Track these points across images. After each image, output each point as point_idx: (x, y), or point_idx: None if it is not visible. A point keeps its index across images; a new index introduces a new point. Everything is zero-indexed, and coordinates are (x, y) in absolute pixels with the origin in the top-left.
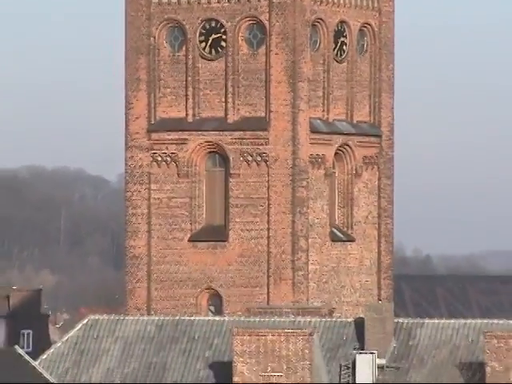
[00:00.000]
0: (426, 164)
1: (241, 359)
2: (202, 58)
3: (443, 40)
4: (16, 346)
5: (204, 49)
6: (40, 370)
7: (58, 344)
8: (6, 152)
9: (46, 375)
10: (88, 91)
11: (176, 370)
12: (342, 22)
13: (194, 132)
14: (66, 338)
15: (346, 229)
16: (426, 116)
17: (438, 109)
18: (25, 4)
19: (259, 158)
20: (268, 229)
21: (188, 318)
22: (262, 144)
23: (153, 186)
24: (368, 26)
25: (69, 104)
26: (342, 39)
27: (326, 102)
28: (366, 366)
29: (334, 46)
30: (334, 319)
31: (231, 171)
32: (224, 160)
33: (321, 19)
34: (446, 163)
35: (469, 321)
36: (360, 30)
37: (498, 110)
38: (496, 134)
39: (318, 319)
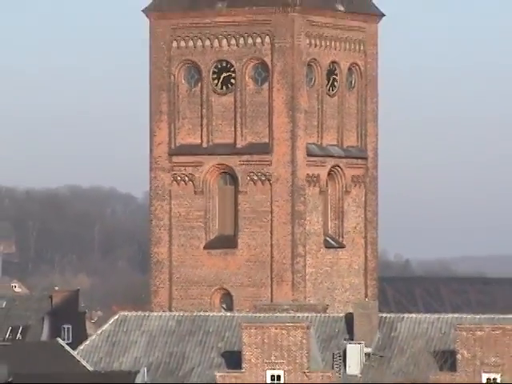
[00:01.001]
0: (406, 181)
1: (248, 349)
2: (215, 93)
3: (419, 78)
4: (58, 339)
5: (216, 85)
6: (78, 358)
7: (93, 337)
8: (49, 173)
9: (84, 363)
10: (118, 122)
11: (193, 358)
12: (334, 62)
13: (208, 156)
14: (100, 331)
15: (337, 237)
16: (405, 141)
17: (414, 135)
18: (67, 43)
19: (263, 178)
20: (271, 237)
21: (203, 314)
22: (265, 165)
23: (173, 202)
24: (356, 66)
25: (102, 133)
26: (334, 77)
27: (320, 129)
28: (354, 354)
29: (326, 82)
30: (327, 315)
31: (240, 189)
32: (233, 179)
33: (315, 60)
34: (422, 180)
35: (442, 316)
36: (349, 69)
37: (463, 130)
38: (465, 151)
39: (314, 315)
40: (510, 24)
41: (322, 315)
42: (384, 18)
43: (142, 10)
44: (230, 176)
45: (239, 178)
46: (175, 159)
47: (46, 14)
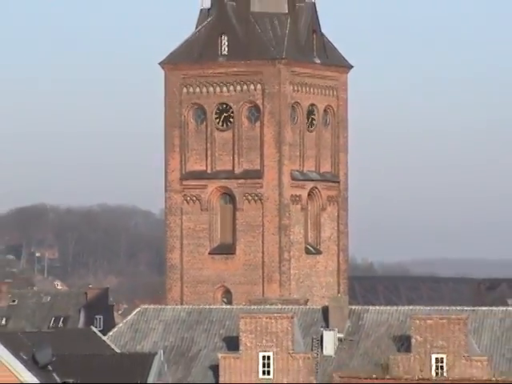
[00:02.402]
0: (370, 199)
1: (244, 335)
2: (217, 129)
3: (381, 117)
4: (91, 327)
5: (218, 123)
6: (108, 342)
7: (120, 325)
8: (85, 193)
9: (112, 346)
10: (140, 152)
11: (200, 342)
12: (312, 104)
13: (211, 180)
14: (125, 321)
15: (315, 245)
16: (370, 168)
17: (377, 163)
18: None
19: (256, 197)
20: (262, 245)
21: (208, 306)
22: (258, 188)
23: (184, 217)
24: (330, 108)
25: (127, 162)
26: (312, 116)
27: (301, 159)
28: (330, 338)
29: (306, 121)
30: (307, 307)
31: (237, 206)
32: (232, 199)
33: (297, 103)
34: (384, 199)
35: (399, 307)
36: (324, 110)
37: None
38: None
39: (297, 307)
40: (457, 69)
41: (304, 307)
42: (352, 69)
43: (159, 63)
44: (229, 196)
45: (237, 198)
46: (185, 183)
47: (75, 68)
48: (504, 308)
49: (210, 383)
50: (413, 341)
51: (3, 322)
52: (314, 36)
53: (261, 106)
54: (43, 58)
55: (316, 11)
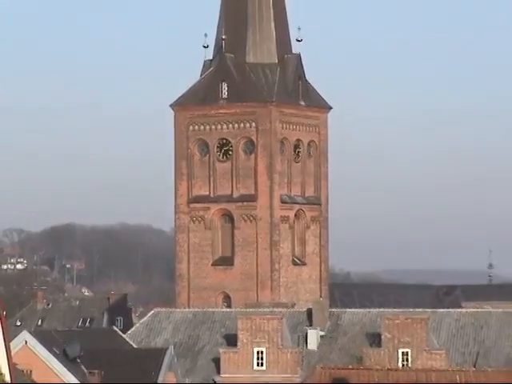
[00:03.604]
0: (348, 219)
1: (242, 333)
2: (218, 160)
3: (357, 150)
4: (113, 327)
5: (219, 155)
6: (127, 339)
7: (137, 325)
8: (107, 213)
9: (131, 342)
10: (154, 180)
11: (204, 339)
12: (298, 139)
13: (213, 203)
14: (141, 321)
15: (301, 258)
16: (347, 192)
17: (353, 189)
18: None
19: (251, 218)
20: (256, 258)
21: (211, 309)
22: (252, 209)
23: (190, 234)
24: (313, 142)
25: (143, 188)
26: (298, 149)
27: (289, 185)
28: (313, 336)
29: (293, 153)
30: (294, 310)
31: (235, 225)
32: (231, 219)
33: (286, 138)
34: (360, 219)
35: (372, 310)
36: (308, 144)
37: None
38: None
39: (285, 309)
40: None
41: (291, 310)
42: (332, 109)
43: (170, 105)
44: (228, 217)
45: (235, 218)
46: (192, 205)
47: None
48: (459, 310)
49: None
50: (383, 337)
51: (39, 322)
52: (300, 82)
53: (255, 141)
54: (69, 95)
55: (301, 61)
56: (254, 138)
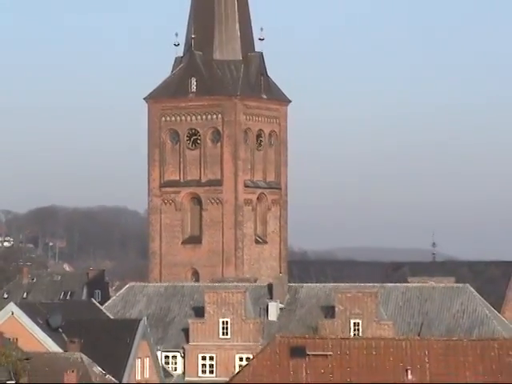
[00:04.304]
0: (306, 201)
1: (209, 305)
2: (188, 149)
3: (314, 139)
4: (92, 299)
5: (188, 144)
6: (104, 311)
7: (114, 298)
8: (87, 196)
9: (108, 314)
10: (128, 167)
11: (175, 311)
12: (260, 129)
13: (183, 187)
14: (118, 294)
15: (263, 237)
16: (304, 177)
17: (311, 174)
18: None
19: (217, 201)
20: (222, 237)
21: (181, 284)
22: (219, 193)
23: (162, 215)
24: (274, 132)
25: (119, 174)
26: (260, 139)
27: (252, 171)
28: (273, 308)
29: (256, 142)
30: (256, 284)
31: (203, 207)
32: (199, 202)
33: (249, 128)
34: (317, 201)
35: (326, 284)
36: (269, 134)
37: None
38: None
39: (248, 284)
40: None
41: (253, 284)
42: (291, 102)
43: (143, 98)
44: (197, 199)
45: (203, 201)
46: (163, 189)
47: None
48: (405, 285)
49: None
50: (336, 309)
51: (24, 295)
52: (262, 78)
53: (221, 131)
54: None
55: (263, 59)
56: (220, 129)
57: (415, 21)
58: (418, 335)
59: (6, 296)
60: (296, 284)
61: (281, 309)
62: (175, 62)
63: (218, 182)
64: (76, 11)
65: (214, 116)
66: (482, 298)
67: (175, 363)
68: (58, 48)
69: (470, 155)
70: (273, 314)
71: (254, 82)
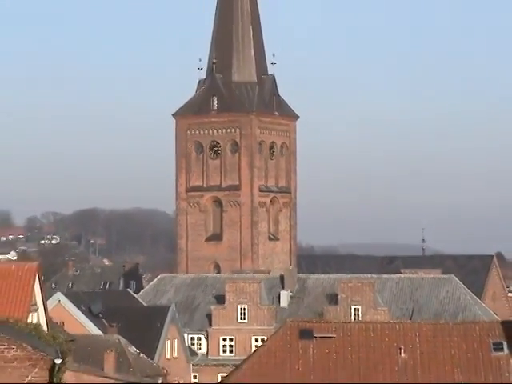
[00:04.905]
0: (312, 204)
1: (229, 293)
2: (210, 158)
3: (321, 152)
4: (127, 289)
5: (211, 154)
6: (139, 299)
7: (146, 288)
8: (124, 200)
9: (141, 301)
10: (159, 174)
11: (199, 298)
12: (273, 141)
13: (206, 191)
14: (150, 285)
15: (275, 234)
16: (311, 183)
17: (317, 179)
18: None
19: (236, 203)
20: (240, 235)
21: (204, 275)
22: (237, 197)
23: (188, 216)
24: (284, 143)
25: (152, 180)
26: (273, 149)
27: (266, 177)
28: (284, 296)
29: (269, 152)
30: (270, 275)
31: (224, 209)
32: (220, 204)
33: (263, 140)
34: (321, 204)
35: (331, 275)
36: (281, 145)
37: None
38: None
39: (263, 275)
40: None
41: (267, 275)
42: (299, 118)
43: (172, 114)
44: (218, 202)
45: (223, 203)
46: (189, 194)
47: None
48: (398, 275)
49: None
50: (339, 297)
51: (70, 285)
52: (274, 97)
53: (239, 143)
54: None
55: (275, 80)
56: (238, 141)
57: (414, 44)
58: (410, 319)
59: (53, 286)
60: (304, 275)
61: (291, 297)
62: (199, 83)
63: (236, 187)
64: (114, 40)
65: (233, 130)
66: (465, 287)
67: (200, 344)
68: (106, 74)
69: (457, 159)
70: (284, 301)
71: (267, 100)
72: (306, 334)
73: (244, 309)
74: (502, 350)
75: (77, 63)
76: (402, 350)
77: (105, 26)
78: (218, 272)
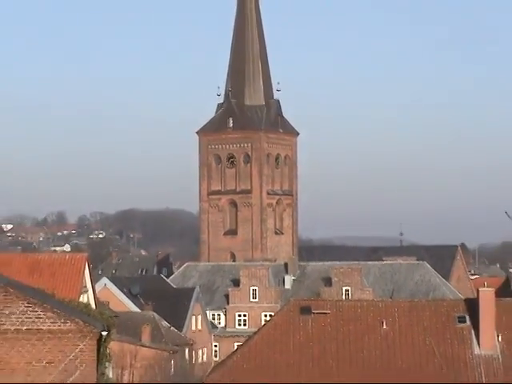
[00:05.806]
0: (311, 204)
1: (243, 277)
2: (227, 168)
3: (319, 163)
4: (160, 274)
5: (227, 164)
6: (169, 282)
7: (176, 273)
8: (157, 202)
9: (172, 285)
10: (185, 182)
11: (218, 282)
12: (278, 153)
13: (224, 195)
14: (178, 271)
15: (280, 229)
16: (309, 187)
17: (316, 185)
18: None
19: (248, 204)
20: (252, 230)
21: (222, 263)
22: (249, 199)
23: (209, 215)
24: (287, 155)
25: (180, 186)
26: (278, 160)
27: (272, 183)
28: (288, 280)
29: (275, 162)
30: (276, 263)
31: (238, 209)
32: (236, 205)
33: (270, 153)
34: (319, 204)
35: (326, 263)
36: (284, 156)
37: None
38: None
39: (271, 263)
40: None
41: (274, 263)
42: (299, 135)
43: (196, 132)
44: (233, 204)
45: (238, 205)
46: (210, 197)
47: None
48: (381, 262)
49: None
50: (333, 280)
51: (114, 271)
52: (279, 117)
53: (250, 155)
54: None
55: (280, 104)
56: (249, 153)
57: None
58: (390, 298)
59: (100, 272)
60: (304, 263)
61: (293, 280)
62: (218, 106)
63: (248, 191)
64: (140, 66)
65: (246, 144)
66: (436, 272)
67: (219, 319)
68: (141, 100)
69: (432, 158)
70: (288, 284)
71: (273, 120)
72: (305, 310)
73: (255, 290)
74: (464, 322)
75: (117, 90)
76: (384, 323)
77: (146, 61)
78: (234, 260)
